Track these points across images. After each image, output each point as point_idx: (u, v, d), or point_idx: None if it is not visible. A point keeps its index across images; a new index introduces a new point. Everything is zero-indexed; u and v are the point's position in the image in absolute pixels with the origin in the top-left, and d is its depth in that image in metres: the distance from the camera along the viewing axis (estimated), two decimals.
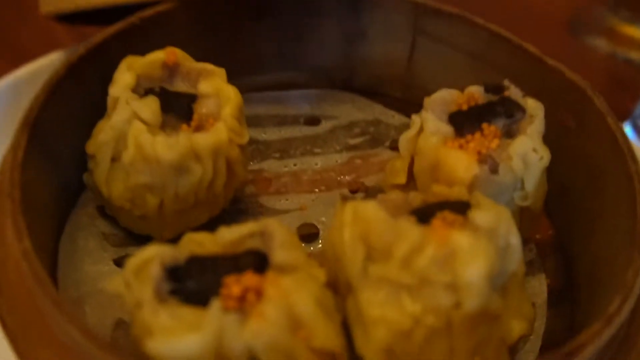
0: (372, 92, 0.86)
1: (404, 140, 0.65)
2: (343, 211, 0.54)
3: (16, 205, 0.51)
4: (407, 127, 0.66)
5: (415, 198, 0.58)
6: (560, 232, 0.72)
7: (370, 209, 0.52)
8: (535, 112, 0.64)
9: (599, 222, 0.65)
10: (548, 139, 0.64)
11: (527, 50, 0.73)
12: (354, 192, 0.75)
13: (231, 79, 0.67)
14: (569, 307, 0.66)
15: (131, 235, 0.68)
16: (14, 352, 0.49)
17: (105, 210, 0.68)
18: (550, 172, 0.65)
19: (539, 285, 0.67)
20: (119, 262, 0.65)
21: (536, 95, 0.67)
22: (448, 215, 0.53)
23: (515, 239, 0.53)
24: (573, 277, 0.68)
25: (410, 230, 0.51)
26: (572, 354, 0.46)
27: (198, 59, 0.69)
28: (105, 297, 0.60)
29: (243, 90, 0.68)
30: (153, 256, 0.48)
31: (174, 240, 0.64)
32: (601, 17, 1.29)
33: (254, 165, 0.76)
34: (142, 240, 0.67)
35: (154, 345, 0.44)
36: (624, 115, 1.10)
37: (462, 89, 0.68)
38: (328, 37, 0.84)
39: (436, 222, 0.52)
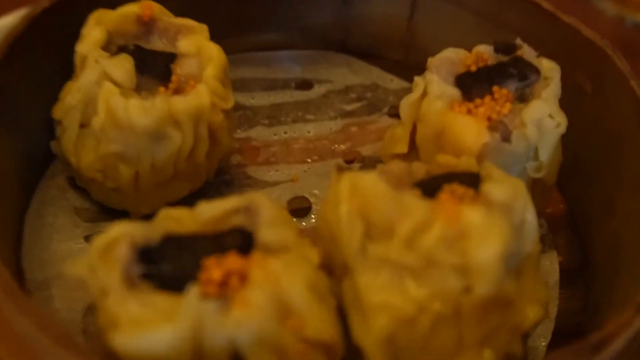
0: (369, 55, 0.79)
1: (406, 105, 0.59)
2: (339, 184, 0.47)
3: None
4: (407, 92, 0.60)
5: (419, 169, 0.51)
6: (574, 207, 0.66)
7: (370, 181, 0.46)
8: (550, 74, 0.58)
9: (618, 196, 0.59)
10: (562, 103, 0.57)
11: (540, 6, 0.66)
12: (349, 162, 0.68)
13: (215, 38, 0.60)
14: (583, 287, 0.60)
15: (105, 209, 0.61)
16: None
17: (77, 182, 0.61)
18: (564, 140, 0.58)
19: (551, 264, 0.61)
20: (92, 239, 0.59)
21: (551, 56, 0.60)
22: (457, 188, 0.47)
23: (531, 216, 0.47)
24: (587, 255, 0.62)
25: (415, 205, 0.45)
26: (600, 346, 0.40)
27: (178, 15, 0.62)
28: (74, 280, 0.54)
29: (228, 51, 0.61)
30: (121, 235, 0.42)
31: (153, 216, 0.58)
32: None
33: (240, 133, 0.69)
34: (117, 215, 0.60)
35: (120, 338, 0.38)
36: None
37: (469, 50, 0.61)
38: None
39: (444, 196, 0.46)
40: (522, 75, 0.57)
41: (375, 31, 0.79)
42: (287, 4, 0.77)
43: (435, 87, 0.57)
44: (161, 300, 0.40)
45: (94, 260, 0.41)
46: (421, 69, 0.59)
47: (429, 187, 0.48)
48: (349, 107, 0.73)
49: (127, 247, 0.42)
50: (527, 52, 0.59)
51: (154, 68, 0.57)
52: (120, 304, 0.39)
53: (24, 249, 0.57)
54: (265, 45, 0.78)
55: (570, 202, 0.67)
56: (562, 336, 0.56)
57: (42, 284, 0.55)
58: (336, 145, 0.69)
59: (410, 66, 0.76)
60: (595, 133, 0.63)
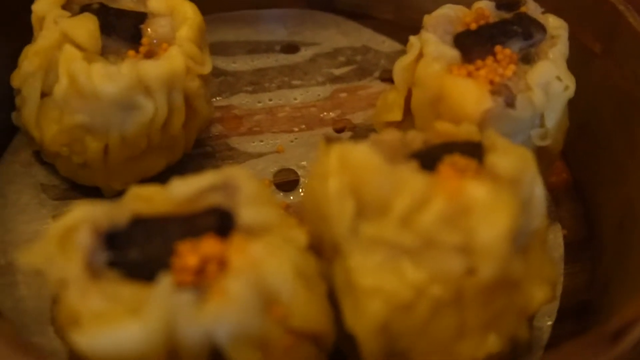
0: (359, 14, 0.73)
1: (400, 68, 0.53)
2: (327, 156, 0.42)
3: None
4: (400, 54, 0.55)
5: (416, 138, 0.47)
6: (579, 175, 0.62)
7: (361, 153, 0.41)
8: (557, 32, 0.53)
9: (629, 164, 0.54)
10: (568, 65, 0.53)
11: None
12: (339, 131, 0.63)
13: None
14: (589, 262, 0.56)
15: (75, 186, 0.56)
16: None
17: (42, 157, 0.56)
18: (569, 105, 0.54)
19: (554, 239, 0.57)
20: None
21: (557, 12, 0.55)
22: (458, 159, 0.42)
23: (539, 189, 0.43)
24: (594, 228, 0.58)
25: (412, 179, 0.40)
26: (620, 335, 0.36)
27: None
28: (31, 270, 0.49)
29: (207, 10, 0.55)
30: (83, 220, 0.37)
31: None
32: None
33: (221, 101, 0.64)
34: (89, 192, 0.56)
35: (82, 336, 0.34)
36: None
37: (468, 7, 0.55)
38: None
39: (444, 168, 0.41)
40: (527, 34, 0.52)
41: None
42: None
43: (432, 47, 0.51)
44: (128, 292, 0.36)
45: (52, 248, 0.36)
46: (415, 29, 0.54)
47: (427, 159, 0.43)
48: (338, 72, 0.68)
49: (89, 232, 0.37)
50: (532, 8, 0.54)
51: (122, 29, 0.52)
52: (81, 297, 0.34)
53: None
54: (247, 3, 0.72)
55: (575, 170, 0.62)
56: (568, 315, 0.52)
57: (6, 269, 0.50)
58: (325, 113, 0.64)
59: (403, 26, 0.70)
60: (605, 96, 0.58)
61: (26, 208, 0.54)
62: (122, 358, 0.34)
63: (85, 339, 0.33)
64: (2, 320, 0.36)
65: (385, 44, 0.71)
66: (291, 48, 0.70)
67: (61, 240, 0.36)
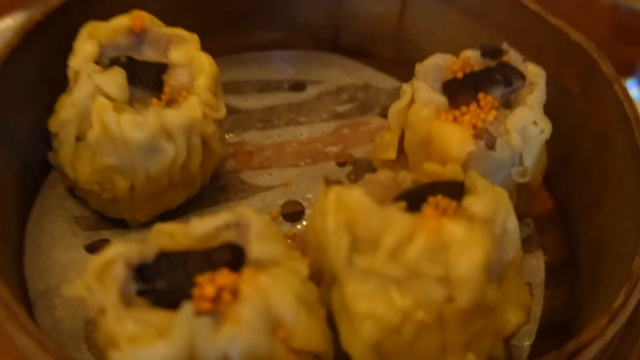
0: (361, 53, 0.80)
1: (394, 112, 0.60)
2: (326, 197, 0.49)
3: None
4: (398, 91, 0.61)
5: (406, 178, 0.53)
6: (561, 205, 0.68)
7: (355, 196, 0.48)
8: (536, 79, 0.59)
9: (603, 197, 0.60)
10: (551, 104, 0.59)
11: (527, 7, 0.67)
12: (341, 164, 0.70)
13: (207, 37, 0.62)
14: (569, 286, 0.62)
15: (104, 218, 0.63)
16: None
17: (75, 192, 0.64)
18: (553, 140, 0.60)
19: (536, 264, 0.64)
20: (92, 248, 0.61)
21: (538, 57, 0.61)
22: (440, 200, 0.49)
23: (512, 225, 0.49)
24: (574, 255, 0.64)
25: (399, 219, 0.47)
26: (574, 355, 0.42)
27: (169, 17, 0.63)
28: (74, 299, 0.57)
29: (221, 52, 0.62)
30: (117, 256, 0.44)
31: (149, 223, 0.61)
32: None
33: (234, 137, 0.71)
34: (116, 223, 0.63)
35: (119, 356, 0.41)
36: (627, 67, 1.05)
37: (458, 49, 0.62)
38: None
39: (427, 209, 0.48)
40: (508, 82, 0.58)
41: (366, 28, 0.80)
42: (278, 1, 0.78)
43: (422, 94, 0.58)
44: (156, 317, 0.43)
45: (92, 281, 0.43)
46: (412, 66, 0.61)
47: (414, 199, 0.50)
48: (341, 109, 0.75)
49: (123, 266, 0.44)
50: (513, 57, 0.60)
51: (146, 79, 0.59)
52: (117, 322, 0.42)
53: (26, 258, 0.59)
54: (258, 45, 0.80)
55: (559, 201, 0.68)
56: (547, 335, 0.58)
57: (44, 294, 0.57)
58: (329, 148, 0.71)
59: (401, 64, 0.77)
60: (583, 134, 0.65)
61: (61, 238, 0.62)
62: None
63: (122, 358, 0.41)
64: (47, 338, 0.43)
65: (386, 82, 0.78)
66: (298, 86, 0.77)
67: (99, 274, 0.44)
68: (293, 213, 0.66)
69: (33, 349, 0.41)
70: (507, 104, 0.59)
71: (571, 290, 0.62)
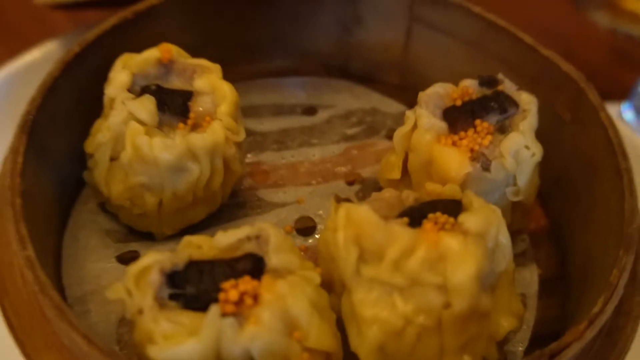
0: (369, 80, 0.87)
1: (399, 136, 0.67)
2: (337, 213, 0.56)
3: (17, 213, 0.54)
4: (403, 115, 0.67)
5: (409, 197, 0.60)
6: (554, 222, 0.74)
7: (363, 212, 0.54)
8: (528, 107, 0.66)
9: (590, 216, 0.66)
10: (543, 130, 0.65)
11: (522, 40, 0.74)
12: (350, 183, 0.76)
13: (227, 65, 0.69)
14: (561, 297, 0.68)
15: (133, 231, 0.70)
16: (22, 354, 0.52)
17: (106, 207, 0.70)
18: (546, 163, 0.66)
19: (530, 276, 0.69)
20: (122, 259, 0.68)
21: (531, 86, 0.68)
22: (440, 217, 0.55)
23: (504, 239, 0.55)
24: (565, 268, 0.70)
25: (402, 233, 0.53)
26: (555, 354, 0.48)
27: (194, 47, 0.70)
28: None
29: (239, 78, 0.69)
30: (152, 263, 0.51)
31: (174, 236, 0.67)
32: None
33: (252, 158, 0.78)
34: (144, 236, 0.69)
35: (155, 351, 0.47)
36: (624, 91, 1.11)
37: (458, 77, 0.69)
38: (324, 23, 0.85)
39: (427, 224, 0.54)
40: (502, 109, 0.65)
41: (374, 57, 0.87)
42: (292, 32, 0.86)
43: (424, 120, 0.65)
44: (187, 318, 0.49)
45: (130, 285, 0.49)
46: (416, 92, 0.67)
47: (416, 215, 0.56)
48: (350, 131, 0.81)
49: (157, 273, 0.50)
50: (507, 86, 0.67)
51: (174, 106, 0.66)
52: (153, 322, 0.48)
53: (63, 268, 0.66)
54: (273, 72, 0.87)
55: (552, 219, 0.74)
56: (539, 342, 0.64)
57: (80, 300, 0.64)
58: (338, 168, 0.77)
59: (406, 89, 0.84)
60: (573, 157, 0.71)
61: (94, 249, 0.68)
62: None
63: (157, 352, 0.47)
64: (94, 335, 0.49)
65: (392, 106, 0.85)
66: (310, 110, 0.83)
67: (137, 279, 0.50)
68: (306, 228, 0.72)
69: (82, 345, 0.47)
70: (502, 130, 0.65)
71: (562, 302, 0.68)
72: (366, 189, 0.75)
